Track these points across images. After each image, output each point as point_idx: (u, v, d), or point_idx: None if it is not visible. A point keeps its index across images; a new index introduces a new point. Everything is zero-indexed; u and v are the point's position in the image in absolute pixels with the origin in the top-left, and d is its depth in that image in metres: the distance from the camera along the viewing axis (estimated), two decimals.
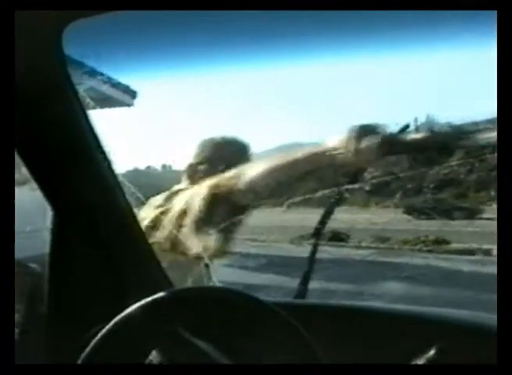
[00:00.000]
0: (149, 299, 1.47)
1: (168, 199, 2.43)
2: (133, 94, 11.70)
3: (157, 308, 1.48)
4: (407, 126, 2.22)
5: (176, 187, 2.61)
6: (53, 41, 1.34)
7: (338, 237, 17.56)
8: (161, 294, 1.49)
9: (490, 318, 1.63)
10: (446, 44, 1.93)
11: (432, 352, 1.47)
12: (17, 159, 1.52)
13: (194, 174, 2.65)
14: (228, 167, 2.46)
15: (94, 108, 1.68)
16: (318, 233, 2.73)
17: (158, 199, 2.46)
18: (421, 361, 1.46)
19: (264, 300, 1.48)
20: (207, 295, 1.55)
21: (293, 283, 2.54)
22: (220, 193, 2.21)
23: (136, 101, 12.07)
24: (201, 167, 2.65)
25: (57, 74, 1.45)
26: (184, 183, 2.67)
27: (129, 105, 11.85)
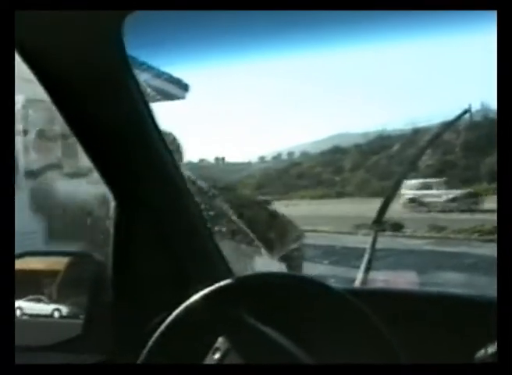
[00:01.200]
0: (214, 286, 1.49)
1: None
2: (185, 87, 11.75)
3: (222, 295, 1.49)
4: (465, 111, 2.23)
5: None
6: (114, 33, 1.37)
7: (393, 227, 17.37)
8: (226, 282, 1.51)
9: None
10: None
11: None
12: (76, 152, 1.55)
13: None
14: None
15: (150, 102, 1.70)
16: (378, 221, 2.75)
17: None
18: (488, 346, 1.44)
19: (329, 285, 1.49)
20: (271, 281, 1.56)
21: (352, 273, 2.55)
22: None
23: (188, 95, 12.12)
24: None
25: (119, 67, 1.47)
26: None
27: (181, 98, 11.91)
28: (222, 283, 1.50)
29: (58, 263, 1.98)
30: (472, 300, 1.74)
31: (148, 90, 1.65)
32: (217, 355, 1.36)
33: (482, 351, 1.41)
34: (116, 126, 1.57)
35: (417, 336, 1.58)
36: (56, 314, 1.89)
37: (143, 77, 1.63)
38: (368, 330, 1.39)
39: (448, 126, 2.16)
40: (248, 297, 1.49)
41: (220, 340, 1.39)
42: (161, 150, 1.66)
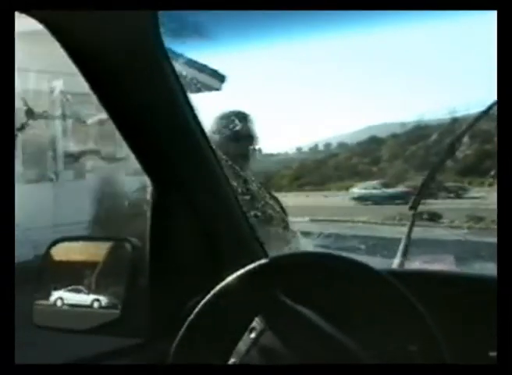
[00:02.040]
0: (250, 267, 1.49)
1: None
2: (221, 78, 11.79)
3: (257, 275, 1.49)
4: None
5: None
6: (150, 21, 1.39)
7: (431, 217, 17.19)
8: (261, 262, 1.51)
9: None
10: None
11: None
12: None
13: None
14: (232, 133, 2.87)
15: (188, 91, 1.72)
16: (414, 207, 2.75)
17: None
18: None
19: (367, 264, 1.47)
20: (306, 261, 1.55)
21: (388, 263, 2.55)
22: None
23: (225, 85, 12.14)
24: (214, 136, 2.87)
25: (156, 55, 1.48)
26: None
27: (217, 89, 11.94)
28: (257, 263, 1.50)
29: (96, 252, 1.98)
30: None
31: (185, 79, 1.66)
32: (253, 335, 1.38)
33: None
34: (153, 112, 1.58)
35: (453, 318, 1.56)
36: (96, 304, 1.88)
37: (179, 67, 1.65)
38: (406, 310, 1.38)
39: (483, 114, 2.16)
40: (283, 277, 1.49)
41: (256, 320, 1.40)
42: (197, 135, 1.67)
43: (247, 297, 1.46)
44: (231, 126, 2.92)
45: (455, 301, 1.64)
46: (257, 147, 3.14)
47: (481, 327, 1.54)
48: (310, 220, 20.29)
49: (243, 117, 3.09)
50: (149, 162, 1.71)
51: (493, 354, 1.42)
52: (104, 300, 1.89)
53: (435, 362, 1.32)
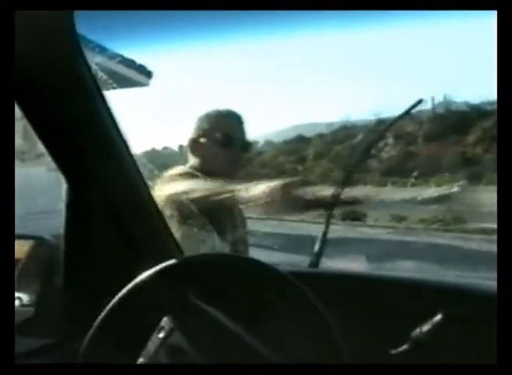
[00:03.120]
0: (160, 266, 1.49)
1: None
2: (148, 73, 11.71)
3: (167, 274, 1.49)
4: (420, 101, 2.24)
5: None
6: (65, 18, 1.36)
7: (354, 216, 17.54)
8: (171, 261, 1.51)
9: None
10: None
11: (438, 318, 1.48)
12: (28, 136, 1.54)
13: (196, 147, 2.72)
14: (225, 138, 2.63)
15: (109, 88, 1.71)
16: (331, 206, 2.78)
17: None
18: (427, 326, 1.47)
19: (275, 266, 1.49)
20: (216, 262, 1.56)
21: (307, 261, 2.57)
22: None
23: (152, 81, 12.07)
24: (201, 140, 2.70)
25: (70, 53, 1.46)
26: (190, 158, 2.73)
27: (144, 84, 11.86)
28: (168, 262, 1.50)
29: (17, 249, 1.96)
30: (417, 281, 1.77)
31: (107, 76, 1.68)
32: (161, 334, 1.37)
33: (417, 331, 1.45)
34: (67, 109, 1.57)
35: (360, 319, 1.62)
36: (17, 302, 1.84)
37: (104, 63, 1.63)
38: (308, 311, 1.41)
39: (403, 116, 2.17)
40: (194, 277, 1.50)
41: (165, 319, 1.40)
42: (112, 134, 1.66)
43: (157, 296, 1.46)
44: (222, 128, 2.70)
45: (359, 301, 1.70)
46: (250, 154, 2.86)
47: (381, 326, 1.61)
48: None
49: (237, 118, 2.80)
50: (63, 160, 1.69)
51: (394, 352, 1.49)
52: (25, 298, 1.88)
53: (333, 362, 1.35)
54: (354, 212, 18.09)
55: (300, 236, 14.70)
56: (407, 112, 2.19)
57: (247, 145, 2.78)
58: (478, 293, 1.66)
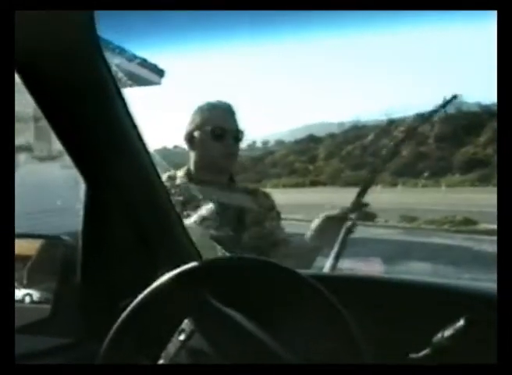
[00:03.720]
0: (180, 269, 1.48)
1: None
2: (160, 72, 11.71)
3: (188, 277, 1.48)
4: (454, 97, 2.27)
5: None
6: (86, 18, 1.35)
7: (366, 216, 17.44)
8: (192, 264, 1.50)
9: None
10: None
11: (460, 323, 1.47)
12: (49, 134, 1.55)
13: (192, 142, 2.78)
14: (218, 130, 2.68)
15: (125, 87, 1.70)
16: (353, 211, 2.82)
17: None
18: (449, 331, 1.46)
19: (293, 269, 1.47)
20: (235, 264, 1.56)
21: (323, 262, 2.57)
22: None
23: (164, 80, 12.07)
24: (195, 134, 2.75)
25: (88, 49, 1.44)
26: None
27: (156, 83, 11.87)
28: (188, 265, 1.49)
29: (29, 247, 1.95)
30: (437, 286, 1.77)
31: (121, 74, 1.67)
32: (182, 337, 1.36)
33: (439, 336, 1.45)
34: (86, 109, 1.55)
35: (381, 322, 1.59)
36: (27, 299, 1.85)
37: (117, 62, 1.63)
38: (328, 312, 1.39)
39: (437, 110, 2.19)
40: (214, 280, 1.49)
41: (185, 322, 1.39)
42: (131, 134, 1.65)
43: (177, 299, 1.45)
44: (215, 120, 2.73)
45: (380, 305, 1.67)
46: (242, 144, 2.88)
47: (403, 330, 1.59)
48: None
49: (227, 109, 2.81)
50: (82, 159, 1.68)
51: (413, 356, 1.46)
52: (36, 294, 1.87)
53: (355, 362, 1.34)
54: (366, 213, 17.98)
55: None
56: (443, 106, 2.21)
57: (239, 135, 2.80)
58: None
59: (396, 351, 1.48)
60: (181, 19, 1.86)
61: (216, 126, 2.70)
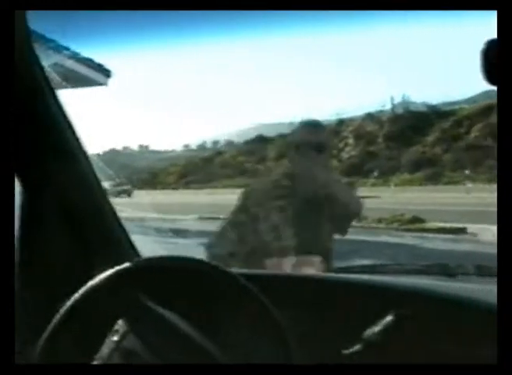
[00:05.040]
0: (114, 269, 1.48)
1: None
2: (107, 73, 11.60)
3: (122, 277, 1.48)
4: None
5: None
6: (17, 18, 1.32)
7: None
8: (124, 265, 1.50)
9: (450, 286, 1.70)
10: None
11: (389, 319, 1.49)
12: None
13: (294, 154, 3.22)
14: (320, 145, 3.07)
15: (66, 87, 1.71)
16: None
17: None
18: (379, 327, 1.48)
19: (226, 268, 1.50)
20: (169, 264, 1.56)
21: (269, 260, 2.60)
22: None
23: (111, 81, 11.95)
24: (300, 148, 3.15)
25: (21, 52, 1.44)
26: None
27: (103, 84, 11.75)
28: (122, 265, 1.49)
29: None
30: (367, 282, 1.78)
31: (67, 74, 1.67)
32: (115, 338, 1.36)
33: (369, 331, 1.47)
34: (17, 109, 1.50)
35: (316, 320, 1.63)
36: None
37: (61, 62, 1.61)
38: (259, 311, 1.41)
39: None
40: (147, 279, 1.49)
41: (119, 322, 1.39)
42: (66, 134, 1.65)
43: (111, 299, 1.45)
44: (314, 136, 3.00)
45: (315, 303, 1.69)
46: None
47: (337, 327, 1.62)
48: (198, 218, 20.41)
49: (323, 128, 3.21)
50: (15, 161, 1.66)
51: (346, 352, 1.50)
52: None
53: (285, 362, 1.36)
54: None
55: None
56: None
57: (330, 151, 3.32)
58: (428, 294, 1.66)
59: (330, 348, 1.52)
60: (129, 18, 1.84)
61: (317, 142, 2.99)
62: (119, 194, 36.50)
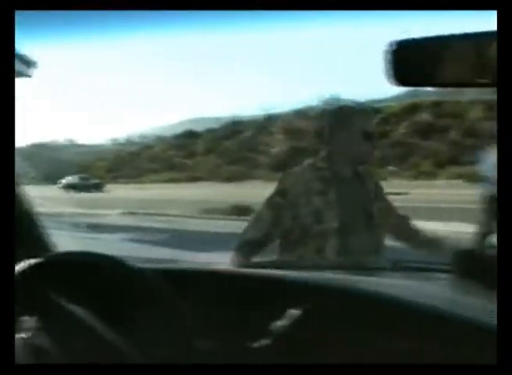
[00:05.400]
0: (23, 264, 1.46)
1: None
2: (31, 64, 11.39)
3: (29, 274, 1.46)
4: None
5: None
6: None
7: (242, 212, 17.69)
8: (35, 260, 1.48)
9: (363, 280, 1.72)
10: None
11: (295, 312, 1.50)
12: None
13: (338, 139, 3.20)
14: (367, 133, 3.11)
15: None
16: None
17: None
18: (285, 320, 1.48)
19: (134, 264, 1.50)
20: (76, 260, 1.54)
21: (196, 256, 2.61)
22: None
23: (37, 73, 11.73)
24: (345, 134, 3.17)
25: None
26: None
27: (27, 75, 11.53)
28: (31, 261, 1.47)
29: None
30: (276, 279, 1.79)
31: None
32: (26, 334, 1.33)
33: (276, 325, 1.48)
34: None
35: (226, 314, 1.62)
36: None
37: None
38: (165, 305, 1.43)
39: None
40: (57, 275, 1.48)
41: (27, 319, 1.37)
42: None
43: (20, 296, 1.39)
44: (360, 123, 3.04)
45: (225, 297, 1.67)
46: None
47: (248, 320, 1.60)
48: (123, 213, 20.27)
49: (368, 115, 3.33)
50: None
51: (255, 345, 1.49)
52: None
53: (191, 357, 1.37)
54: (243, 208, 18.22)
55: (185, 231, 14.79)
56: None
57: (374, 138, 3.15)
58: (336, 288, 1.67)
59: (238, 342, 1.51)
60: (60, 13, 1.83)
61: (363, 129, 3.02)
62: (89, 188, 36.19)
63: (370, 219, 3.03)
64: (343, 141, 3.02)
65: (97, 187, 37.33)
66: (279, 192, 3.04)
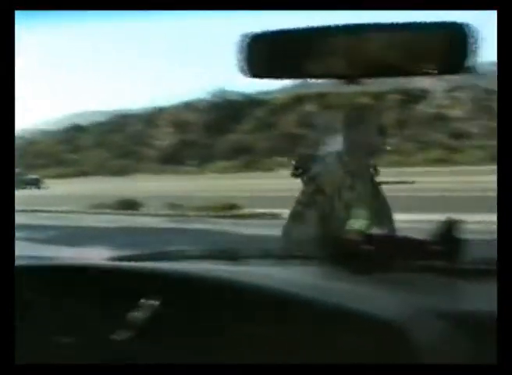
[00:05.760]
0: None
1: None
2: None
3: None
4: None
5: None
6: None
7: (130, 206, 17.62)
8: None
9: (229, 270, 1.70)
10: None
11: (150, 303, 1.50)
12: None
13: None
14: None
15: None
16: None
17: None
18: (143, 312, 1.48)
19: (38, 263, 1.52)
20: None
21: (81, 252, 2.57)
22: None
23: None
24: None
25: None
26: None
27: None
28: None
29: None
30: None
31: None
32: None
33: (133, 315, 1.47)
34: None
35: (86, 308, 1.55)
36: None
37: None
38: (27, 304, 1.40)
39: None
40: None
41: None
42: None
43: None
44: (375, 119, 3.40)
45: (90, 290, 1.70)
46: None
47: (105, 314, 1.54)
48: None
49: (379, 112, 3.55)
50: None
51: (117, 337, 1.44)
52: None
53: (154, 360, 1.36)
54: (131, 203, 18.10)
55: (73, 227, 14.57)
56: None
57: (386, 136, 3.38)
58: (196, 278, 1.67)
59: (103, 336, 1.45)
60: None
61: (378, 125, 3.34)
62: (26, 184, 34.67)
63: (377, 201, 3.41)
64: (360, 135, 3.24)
65: (35, 184, 36.34)
66: (317, 191, 3.45)
